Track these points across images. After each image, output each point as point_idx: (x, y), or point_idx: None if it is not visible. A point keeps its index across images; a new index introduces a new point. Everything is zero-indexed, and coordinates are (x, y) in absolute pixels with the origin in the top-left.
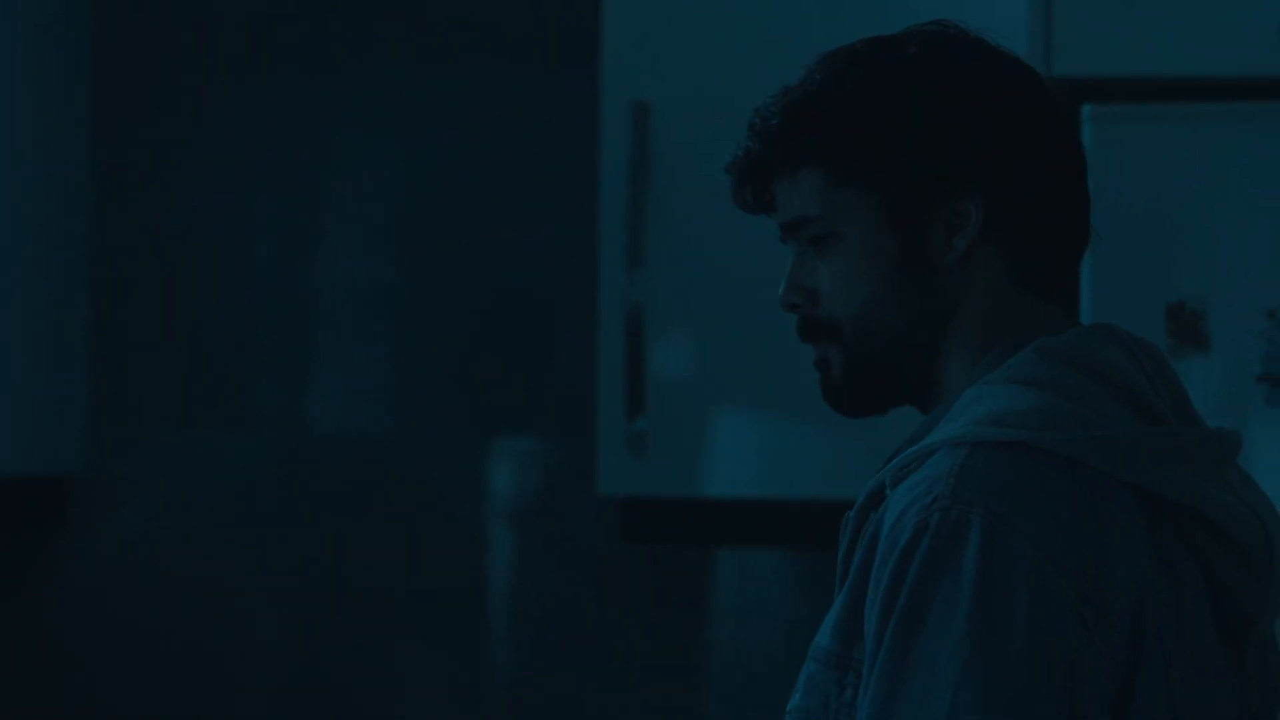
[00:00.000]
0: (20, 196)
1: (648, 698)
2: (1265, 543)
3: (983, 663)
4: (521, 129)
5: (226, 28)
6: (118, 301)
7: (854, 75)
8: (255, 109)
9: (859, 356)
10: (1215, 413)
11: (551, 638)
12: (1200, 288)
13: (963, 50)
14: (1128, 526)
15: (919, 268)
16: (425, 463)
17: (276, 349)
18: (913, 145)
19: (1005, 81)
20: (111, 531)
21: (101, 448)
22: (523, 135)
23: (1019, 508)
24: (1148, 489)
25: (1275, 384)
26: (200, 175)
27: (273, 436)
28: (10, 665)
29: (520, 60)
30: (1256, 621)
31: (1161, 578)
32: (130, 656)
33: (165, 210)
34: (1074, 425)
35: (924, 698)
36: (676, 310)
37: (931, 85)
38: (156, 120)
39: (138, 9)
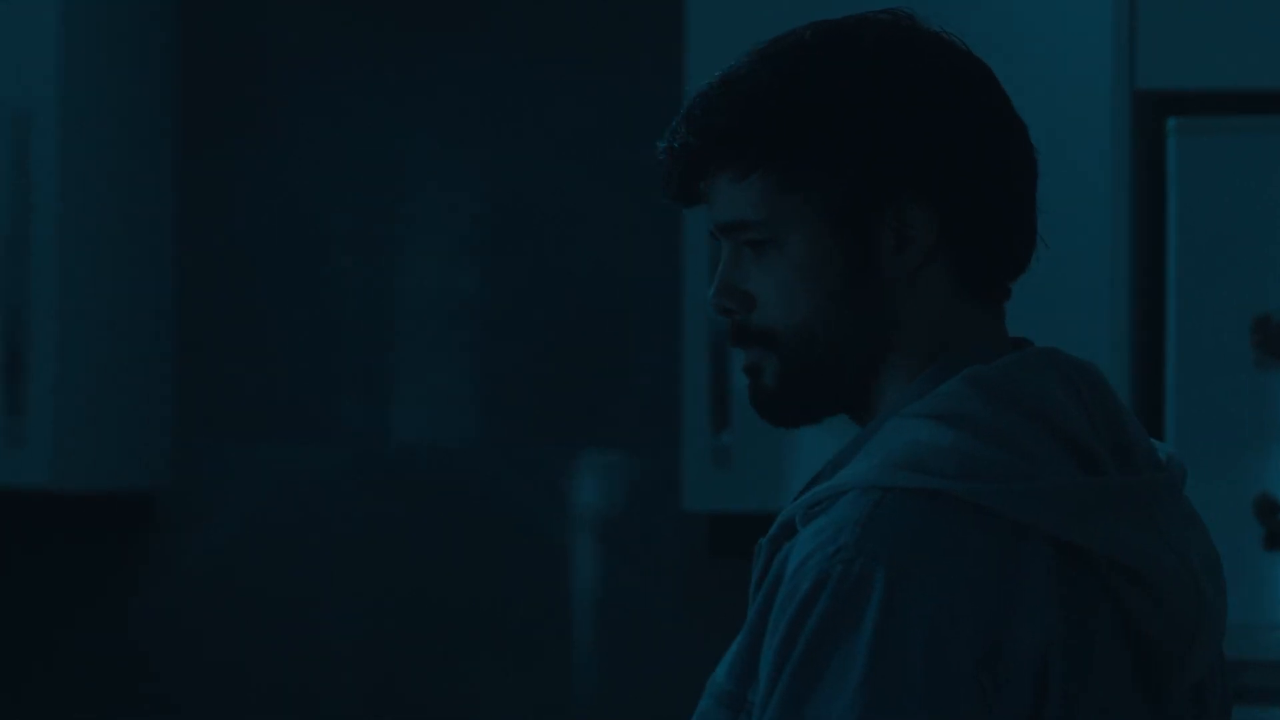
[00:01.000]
0: (107, 214)
1: None
2: (1194, 592)
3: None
4: (604, 139)
5: (307, 42)
6: (202, 317)
7: (805, 72)
8: (336, 123)
9: (795, 368)
10: None
11: (636, 652)
12: None
13: (919, 47)
14: (1038, 581)
15: (864, 279)
16: (509, 476)
17: (359, 362)
18: (866, 151)
19: (962, 82)
20: (195, 546)
21: (186, 463)
22: (606, 146)
23: (924, 564)
24: (1067, 541)
25: None
26: (282, 190)
27: (356, 450)
28: (94, 679)
29: (603, 70)
30: (1182, 670)
31: (1070, 631)
32: (212, 670)
33: (248, 225)
34: (993, 474)
35: None
36: None
37: (887, 86)
38: (239, 136)
39: (221, 25)
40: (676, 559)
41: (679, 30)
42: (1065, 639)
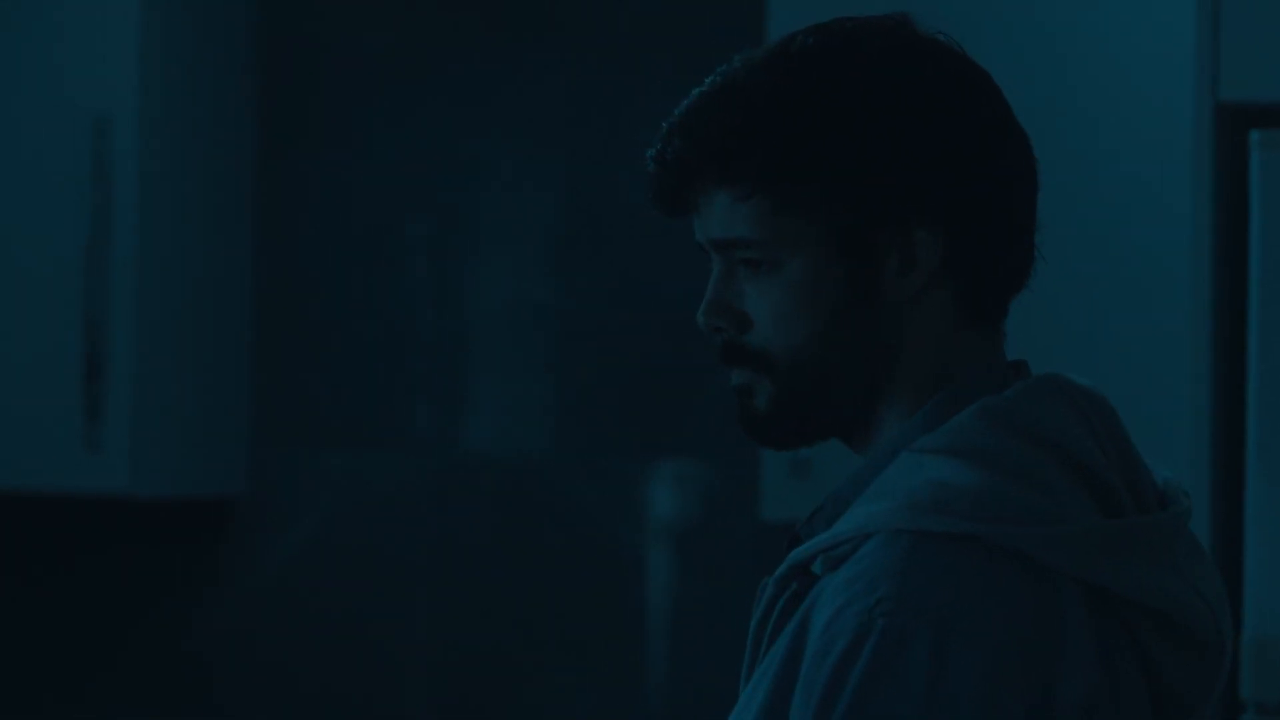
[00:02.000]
0: (185, 221)
1: None
2: (1216, 633)
3: None
4: None
5: (384, 48)
6: (278, 324)
7: (809, 87)
8: (413, 129)
9: (791, 393)
10: None
11: (711, 664)
12: None
13: (923, 58)
14: (1076, 628)
15: (867, 302)
16: (584, 485)
17: (433, 370)
18: (872, 170)
19: (967, 94)
20: (269, 552)
21: (261, 470)
22: None
23: (968, 615)
24: (1099, 585)
25: None
26: (358, 196)
27: (430, 458)
28: (166, 684)
29: (680, 74)
30: (1195, 712)
31: (1106, 681)
32: (282, 678)
33: (324, 232)
34: (1025, 515)
35: None
36: None
37: (894, 101)
38: (316, 143)
39: (299, 32)
40: (754, 570)
41: (760, 34)
42: (1108, 688)
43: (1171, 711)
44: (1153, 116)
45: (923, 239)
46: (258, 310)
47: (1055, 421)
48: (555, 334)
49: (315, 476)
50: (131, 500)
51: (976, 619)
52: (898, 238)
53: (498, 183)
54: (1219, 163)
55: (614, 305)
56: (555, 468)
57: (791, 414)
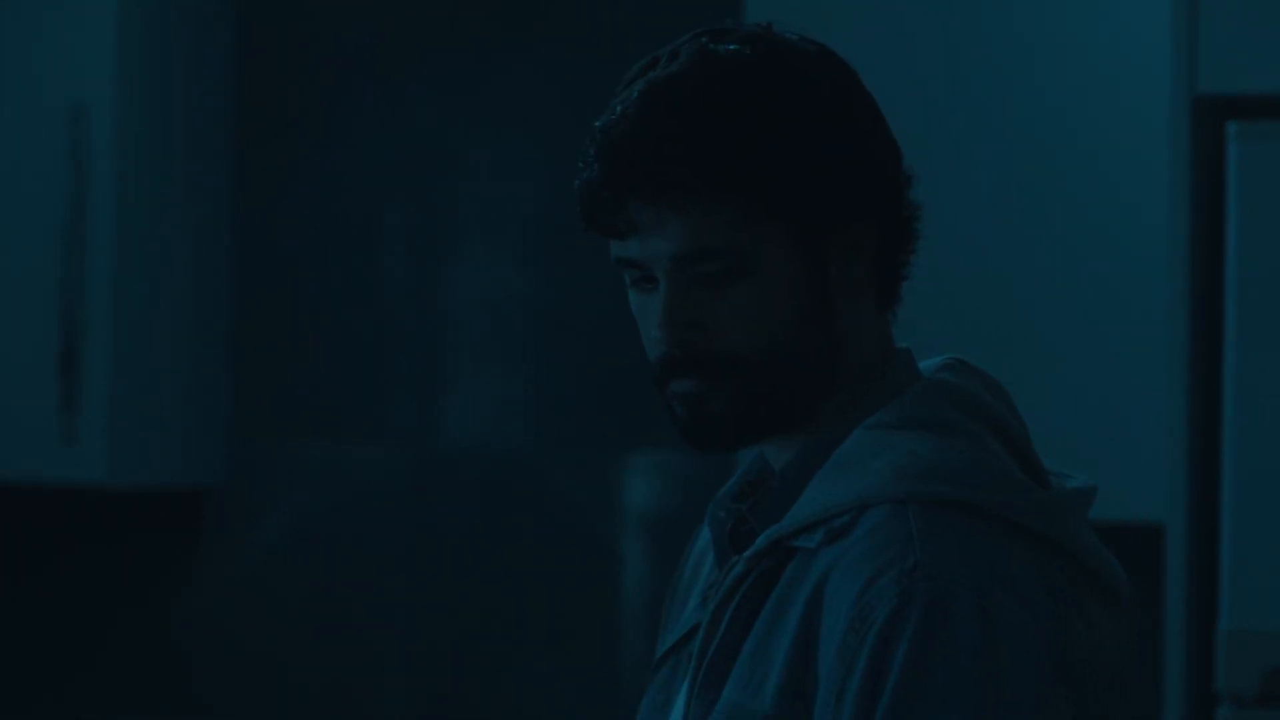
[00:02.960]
0: (162, 210)
1: None
2: (1128, 590)
3: None
4: None
5: (362, 40)
6: (256, 315)
7: (753, 95)
8: (390, 121)
9: (758, 391)
10: None
11: None
12: None
13: (832, 62)
14: (1068, 589)
15: (821, 299)
16: (560, 476)
17: (410, 362)
18: (821, 173)
19: (865, 95)
20: (247, 543)
21: (238, 461)
22: None
23: (1001, 575)
24: (1062, 546)
25: None
26: (335, 188)
27: (408, 450)
28: (142, 674)
29: None
30: (1125, 669)
31: (1089, 635)
32: (259, 668)
33: (301, 224)
34: (1001, 482)
35: None
36: None
37: (828, 105)
38: (293, 133)
39: (277, 23)
40: None
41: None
42: (1099, 644)
43: (1104, 667)
44: (1130, 109)
45: (860, 233)
46: (235, 301)
47: (984, 398)
48: (533, 326)
49: (293, 467)
50: (108, 491)
51: (1007, 577)
52: (841, 235)
53: (477, 174)
54: (1196, 155)
55: (592, 297)
56: (533, 459)
57: (752, 414)
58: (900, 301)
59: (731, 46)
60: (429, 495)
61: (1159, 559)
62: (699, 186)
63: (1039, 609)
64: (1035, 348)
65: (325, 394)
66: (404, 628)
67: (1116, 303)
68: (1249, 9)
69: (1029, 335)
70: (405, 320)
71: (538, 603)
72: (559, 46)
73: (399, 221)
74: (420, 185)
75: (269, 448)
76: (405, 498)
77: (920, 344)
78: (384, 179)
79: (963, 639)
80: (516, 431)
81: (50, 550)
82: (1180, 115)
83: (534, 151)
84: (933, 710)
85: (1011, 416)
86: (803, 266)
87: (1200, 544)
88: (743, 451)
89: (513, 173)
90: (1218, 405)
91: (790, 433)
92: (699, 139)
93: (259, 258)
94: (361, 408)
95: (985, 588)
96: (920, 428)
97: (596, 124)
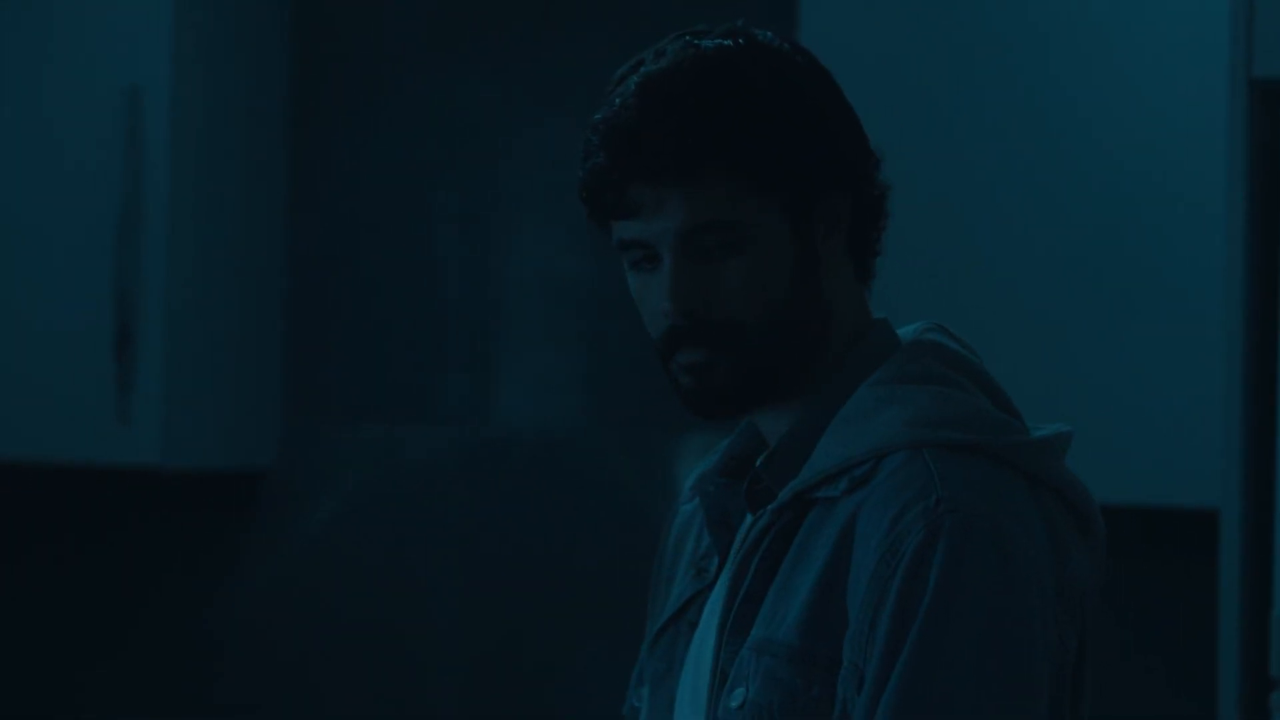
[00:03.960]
0: (217, 192)
1: None
2: (1101, 523)
3: (1011, 664)
4: None
5: (416, 23)
6: (310, 296)
7: (744, 81)
8: (445, 101)
9: (759, 359)
10: None
11: None
12: None
13: (804, 53)
14: (1063, 526)
15: (811, 267)
16: (614, 457)
17: (464, 343)
18: (809, 146)
19: (834, 84)
20: (299, 524)
21: (292, 443)
22: None
23: (1009, 509)
24: (1047, 483)
25: None
26: (390, 169)
27: (462, 431)
28: (198, 654)
29: None
30: (1088, 596)
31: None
32: (313, 648)
33: (355, 207)
34: (1000, 427)
35: (953, 695)
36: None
37: (810, 87)
38: (349, 115)
39: (331, 6)
40: None
41: (792, 11)
42: (1084, 573)
43: (1088, 594)
44: (1186, 93)
45: (838, 206)
46: (290, 282)
47: (967, 355)
48: (586, 306)
49: (347, 449)
50: (162, 472)
51: (1014, 512)
52: (822, 208)
53: (529, 155)
54: (1253, 138)
55: None
56: (586, 440)
57: (754, 380)
58: (870, 276)
59: (715, 42)
60: (482, 477)
61: (1213, 545)
62: (697, 165)
63: (1040, 539)
64: (1091, 333)
65: (378, 376)
66: (457, 608)
67: (1172, 288)
68: None
69: (1085, 321)
70: (458, 302)
71: (591, 584)
72: (610, 28)
73: (452, 203)
74: (473, 167)
75: (322, 430)
76: (458, 479)
77: (975, 330)
78: (437, 161)
79: (984, 565)
80: (569, 413)
81: (104, 531)
82: (1238, 99)
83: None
84: (961, 630)
85: (984, 372)
86: (792, 239)
87: (1255, 529)
88: (725, 427)
89: (565, 154)
90: (1273, 391)
91: (785, 400)
92: (695, 121)
93: (313, 240)
94: (415, 390)
95: (999, 519)
96: (918, 382)
97: (596, 116)
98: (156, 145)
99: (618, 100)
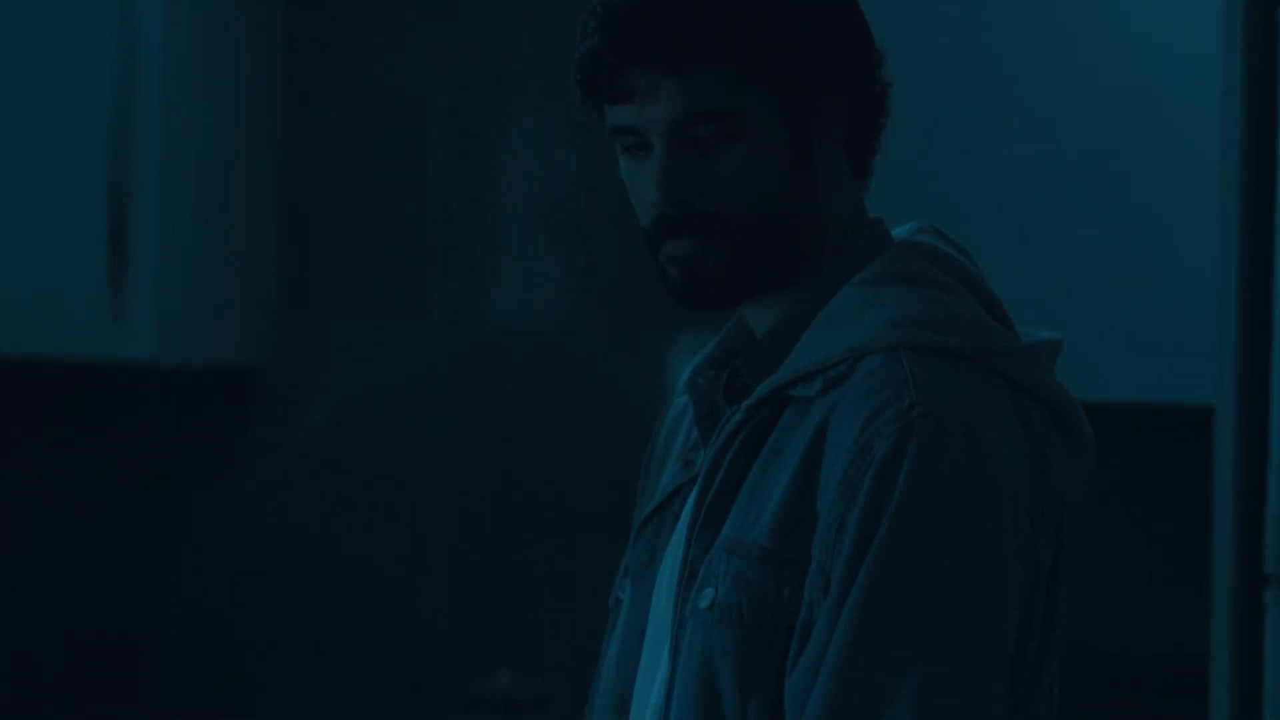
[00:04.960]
0: (211, 87)
1: None
2: (1088, 433)
3: (980, 569)
4: None
5: None
6: (305, 193)
7: None
8: (439, 1)
9: (747, 252)
10: None
11: None
12: None
13: None
14: (1045, 435)
15: (805, 163)
16: (608, 357)
17: (459, 243)
18: (809, 42)
19: None
20: (295, 421)
21: (287, 339)
22: None
23: (985, 417)
24: (1039, 394)
25: None
26: (384, 69)
27: (454, 330)
28: (193, 549)
29: None
30: (1068, 507)
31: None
32: (304, 545)
33: (351, 104)
34: (983, 331)
35: (918, 598)
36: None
37: None
38: (342, 15)
39: None
40: None
41: None
42: (1065, 481)
43: (1070, 503)
44: None
45: (838, 103)
46: (285, 177)
47: (958, 257)
48: (582, 207)
49: (341, 347)
50: (156, 369)
51: (990, 416)
52: (821, 103)
53: (524, 54)
54: (1249, 39)
55: None
56: (581, 340)
57: (741, 273)
58: (872, 173)
59: None
60: (476, 376)
61: (1208, 442)
62: (693, 51)
63: (1017, 445)
64: (1085, 227)
65: (372, 275)
66: (450, 506)
67: (1167, 185)
68: None
69: (1079, 215)
70: (453, 201)
71: (584, 483)
72: None
73: (447, 102)
74: (468, 65)
75: (317, 327)
76: (453, 378)
77: (969, 225)
78: (433, 58)
79: (955, 469)
80: (564, 313)
81: (98, 427)
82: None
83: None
84: (929, 534)
85: (980, 275)
86: (788, 133)
87: (1249, 426)
88: (717, 319)
89: (557, 52)
90: (1268, 287)
91: (774, 294)
92: (694, 8)
93: (309, 136)
94: (409, 289)
95: (973, 425)
96: (904, 283)
97: (594, 1)
98: (149, 37)
99: None
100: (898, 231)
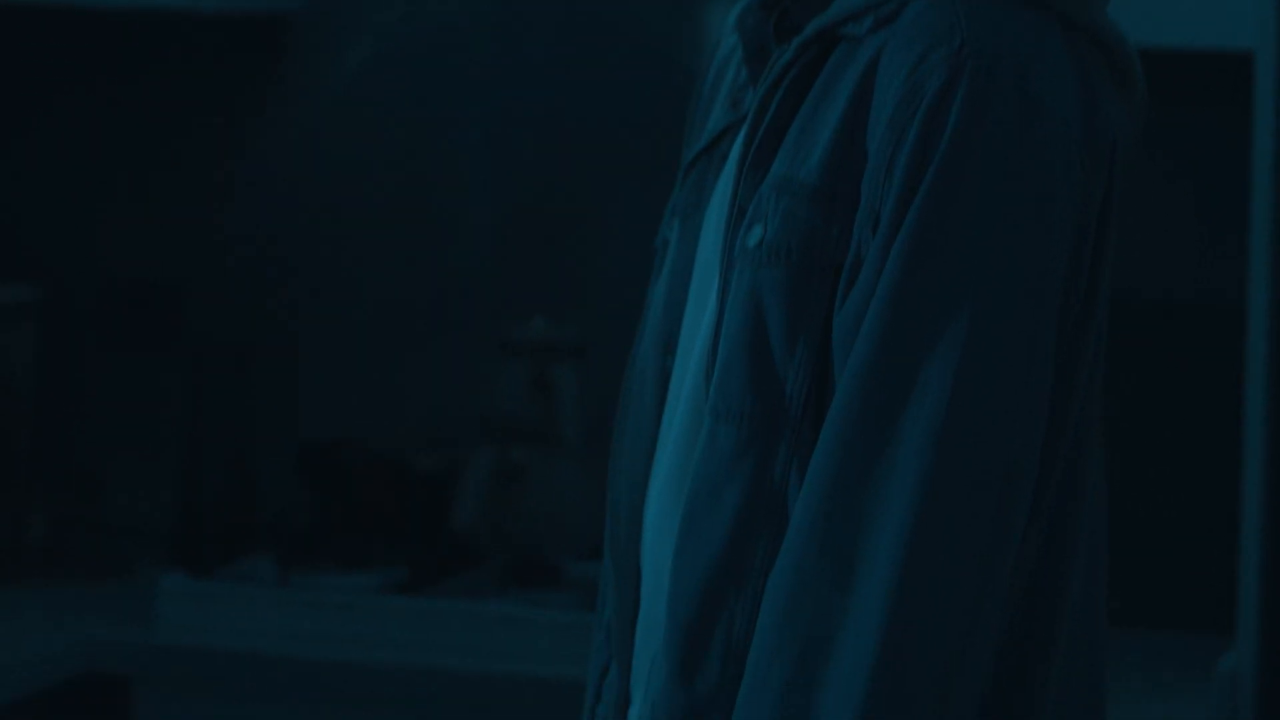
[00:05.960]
0: None
1: None
2: (1139, 75)
3: (1030, 204)
4: None
5: None
6: None
7: None
8: None
9: None
10: None
11: None
12: None
13: None
14: (1101, 76)
15: None
16: (648, 5)
17: None
18: None
19: None
20: (328, 70)
21: None
22: None
23: (1037, 56)
24: (1094, 36)
25: None
26: None
27: None
28: (220, 200)
29: None
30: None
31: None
32: (344, 189)
33: None
34: None
35: (967, 230)
36: None
37: None
38: None
39: None
40: None
41: None
42: (1120, 127)
43: (1121, 149)
44: None
45: None
46: None
47: None
48: None
49: None
50: (192, 15)
51: (1043, 57)
52: None
53: None
54: None
55: None
56: None
57: None
58: None
59: None
60: (513, 24)
61: (1248, 88)
62: None
63: (1070, 85)
64: None
65: None
66: (489, 149)
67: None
68: None
69: None
70: None
71: (623, 129)
72: None
73: None
74: None
75: None
76: (492, 14)
77: None
78: None
79: (1006, 109)
80: None
81: (132, 76)
82: None
83: None
84: (979, 174)
85: None
86: None
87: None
88: None
89: None
90: None
91: None
92: None
93: None
94: None
95: (1025, 64)
96: None
97: None
98: None
99: None
100: None
